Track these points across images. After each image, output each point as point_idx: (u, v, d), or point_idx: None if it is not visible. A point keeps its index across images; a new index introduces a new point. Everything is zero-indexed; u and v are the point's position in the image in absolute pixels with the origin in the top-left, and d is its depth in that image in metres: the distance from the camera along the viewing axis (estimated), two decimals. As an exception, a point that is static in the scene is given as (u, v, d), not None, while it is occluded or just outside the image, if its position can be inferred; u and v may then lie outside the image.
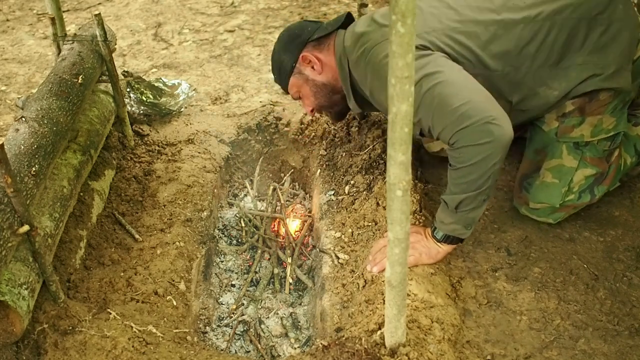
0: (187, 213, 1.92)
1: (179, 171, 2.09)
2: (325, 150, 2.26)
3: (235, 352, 1.75)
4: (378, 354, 1.28)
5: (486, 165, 1.42)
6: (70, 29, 3.29)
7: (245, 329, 1.82)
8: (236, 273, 2.03)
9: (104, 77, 2.03)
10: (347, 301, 1.61)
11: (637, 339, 1.47)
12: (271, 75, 2.82)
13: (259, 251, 2.08)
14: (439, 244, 1.60)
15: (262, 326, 1.83)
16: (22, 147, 1.43)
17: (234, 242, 2.16)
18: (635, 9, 1.68)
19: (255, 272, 2.03)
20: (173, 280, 1.68)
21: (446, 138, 1.46)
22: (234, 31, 3.32)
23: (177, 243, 1.80)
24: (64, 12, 2.08)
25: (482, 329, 1.52)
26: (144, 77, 2.40)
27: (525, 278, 1.65)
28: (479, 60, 1.56)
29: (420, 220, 1.73)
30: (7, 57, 3.14)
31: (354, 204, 1.93)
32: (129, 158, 2.11)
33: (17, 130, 1.50)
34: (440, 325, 1.41)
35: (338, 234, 1.85)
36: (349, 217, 1.89)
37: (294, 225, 2.15)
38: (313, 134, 2.34)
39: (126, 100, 2.25)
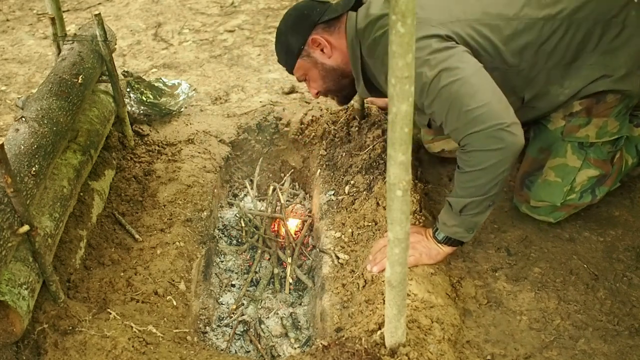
0: (187, 213, 1.92)
1: (179, 171, 2.09)
2: (325, 150, 2.25)
3: (235, 352, 1.75)
4: (378, 354, 1.28)
5: (495, 172, 1.43)
6: (70, 29, 3.29)
7: (245, 329, 1.82)
8: (236, 273, 2.04)
9: (104, 77, 2.03)
10: (347, 301, 1.61)
11: (637, 339, 1.47)
12: (272, 76, 2.85)
13: (259, 251, 2.08)
14: (439, 245, 1.60)
15: (262, 326, 1.83)
16: (22, 147, 1.43)
17: (234, 242, 2.16)
18: None
19: (255, 272, 2.03)
20: (173, 280, 1.68)
21: (457, 138, 1.46)
22: (234, 31, 3.32)
23: (177, 243, 1.80)
24: (64, 12, 2.08)
25: (482, 329, 1.52)
26: (144, 77, 2.40)
27: (525, 278, 1.65)
28: (499, 54, 1.56)
29: (420, 220, 1.73)
30: (7, 57, 3.14)
31: (354, 204, 1.93)
32: (129, 158, 2.11)
33: (17, 130, 1.50)
34: (440, 325, 1.41)
35: (338, 234, 1.85)
36: (349, 217, 1.89)
37: (293, 225, 2.15)
38: (313, 134, 2.34)
39: (126, 100, 2.25)
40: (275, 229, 2.16)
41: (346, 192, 2.00)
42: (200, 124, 2.39)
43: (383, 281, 1.49)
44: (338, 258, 1.77)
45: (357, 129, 2.20)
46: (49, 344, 1.35)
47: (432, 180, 2.04)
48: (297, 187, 2.40)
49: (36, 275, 1.36)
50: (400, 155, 0.97)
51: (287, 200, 2.27)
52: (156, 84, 2.39)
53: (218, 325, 1.83)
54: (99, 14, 1.86)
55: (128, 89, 2.31)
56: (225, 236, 2.16)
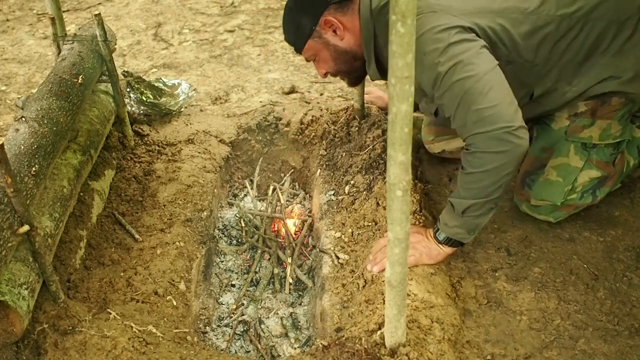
0: (187, 213, 1.92)
1: (179, 171, 2.09)
2: (325, 150, 2.25)
3: (235, 352, 1.75)
4: (378, 354, 1.28)
5: (499, 174, 1.43)
6: (70, 29, 3.29)
7: (245, 329, 1.82)
8: (236, 273, 2.04)
9: (104, 77, 2.03)
10: (347, 301, 1.61)
11: (637, 339, 1.47)
12: (272, 76, 2.85)
13: (259, 251, 2.08)
14: (440, 245, 1.60)
15: (262, 326, 1.83)
16: (22, 147, 1.43)
17: (234, 242, 2.16)
18: None
19: (255, 272, 2.03)
20: (173, 280, 1.68)
21: (463, 135, 1.46)
22: (234, 31, 3.32)
23: (177, 243, 1.80)
24: (64, 12, 2.08)
25: (482, 329, 1.52)
26: (144, 77, 2.40)
27: (525, 278, 1.65)
28: (516, 48, 1.56)
29: (420, 220, 1.73)
30: (7, 57, 3.14)
31: (354, 204, 1.93)
32: (129, 158, 2.11)
33: (17, 130, 1.50)
34: (440, 325, 1.41)
35: (338, 234, 1.85)
36: (349, 217, 1.89)
37: (293, 224, 2.15)
38: (313, 134, 2.34)
39: (126, 100, 2.25)
40: (275, 229, 2.16)
41: (346, 192, 2.00)
42: (200, 124, 2.39)
43: (383, 281, 1.49)
44: (338, 258, 1.77)
45: (357, 129, 2.20)
46: (49, 344, 1.35)
47: (432, 180, 2.04)
48: (297, 187, 2.40)
49: (36, 275, 1.36)
50: (400, 155, 0.97)
51: (287, 200, 2.27)
52: (156, 84, 2.39)
53: (218, 325, 1.83)
54: (99, 14, 1.86)
55: (128, 89, 2.31)
56: (225, 236, 2.16)
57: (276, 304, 1.91)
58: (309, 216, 2.18)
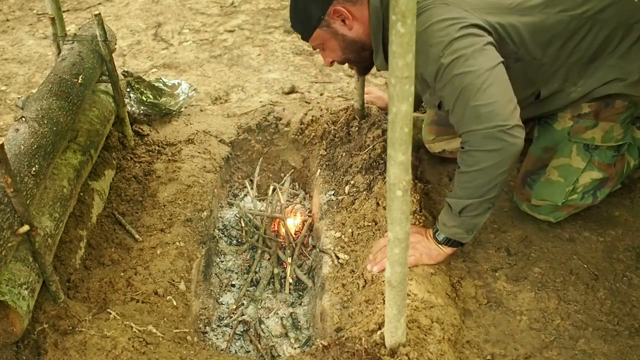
0: (187, 213, 1.92)
1: (179, 171, 2.09)
2: (325, 150, 2.25)
3: (235, 352, 1.75)
4: (378, 354, 1.28)
5: (493, 173, 1.43)
6: (70, 29, 3.29)
7: (245, 329, 1.82)
8: (236, 273, 2.03)
9: (104, 77, 2.03)
10: (347, 301, 1.61)
11: (637, 339, 1.47)
12: (272, 76, 2.85)
13: (259, 251, 2.08)
14: (439, 245, 1.60)
15: (262, 326, 1.83)
16: (22, 147, 1.43)
17: (234, 242, 2.16)
18: None
19: (255, 272, 2.03)
20: (173, 280, 1.68)
21: (459, 130, 1.46)
22: (234, 31, 3.32)
23: (177, 243, 1.80)
24: (64, 12, 2.08)
25: (482, 329, 1.52)
26: (144, 77, 2.40)
27: (525, 278, 1.65)
28: (525, 45, 1.57)
29: (420, 220, 1.73)
30: (7, 57, 3.14)
31: (354, 204, 1.93)
32: (129, 158, 2.11)
33: (17, 130, 1.50)
34: (440, 325, 1.41)
35: (338, 234, 1.85)
36: (349, 217, 1.89)
37: (293, 224, 2.15)
38: (313, 134, 2.34)
39: (126, 100, 2.24)
40: (275, 229, 2.16)
41: (346, 192, 2.00)
42: (200, 124, 2.39)
43: (383, 281, 1.49)
44: (338, 258, 1.77)
45: (357, 129, 2.20)
46: (49, 344, 1.35)
47: (432, 180, 2.04)
48: (297, 187, 2.40)
49: (36, 275, 1.36)
50: (400, 155, 0.97)
51: (287, 200, 2.27)
52: (156, 84, 2.39)
53: (218, 325, 1.83)
54: (99, 14, 1.86)
55: (128, 89, 2.31)
56: (225, 236, 2.16)
57: (276, 304, 1.91)
58: (309, 216, 2.18)
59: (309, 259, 2.05)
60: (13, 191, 1.20)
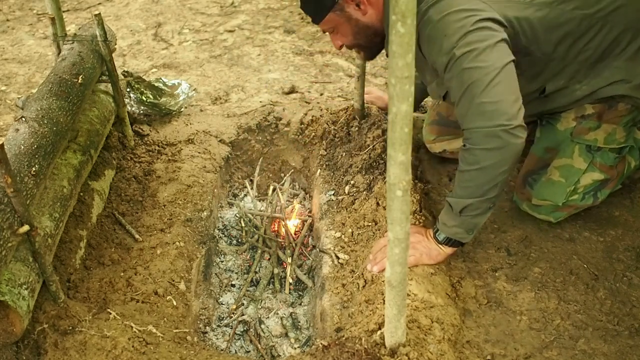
0: (187, 213, 1.92)
1: (179, 171, 2.09)
2: (325, 150, 2.25)
3: (235, 352, 1.75)
4: (378, 354, 1.28)
5: (494, 172, 1.43)
6: (70, 29, 3.29)
7: (245, 329, 1.82)
8: (236, 273, 2.03)
9: (104, 77, 2.03)
10: (347, 301, 1.61)
11: (637, 339, 1.47)
12: (272, 76, 2.85)
13: (259, 251, 2.08)
14: (440, 245, 1.60)
15: (262, 326, 1.83)
16: (22, 147, 1.43)
17: (234, 242, 2.16)
18: None
19: (255, 272, 2.03)
20: (173, 280, 1.68)
21: (463, 125, 1.47)
22: (234, 31, 3.32)
23: (177, 243, 1.80)
24: (64, 12, 2.08)
25: (482, 329, 1.52)
26: (144, 77, 2.40)
27: (525, 278, 1.65)
28: (537, 40, 1.57)
29: (420, 220, 1.73)
30: (7, 57, 3.14)
31: (354, 204, 1.93)
32: (129, 158, 2.11)
33: (17, 130, 1.50)
34: (440, 325, 1.41)
35: (338, 234, 1.85)
36: (349, 217, 1.89)
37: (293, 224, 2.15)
38: (313, 134, 2.34)
39: (126, 100, 2.25)
40: (275, 229, 2.16)
41: (346, 192, 2.00)
42: (200, 124, 2.39)
43: (383, 281, 1.49)
44: (338, 258, 1.77)
45: (357, 129, 2.20)
46: (49, 344, 1.35)
47: (432, 180, 2.04)
48: (297, 187, 2.40)
49: (36, 275, 1.36)
50: (400, 155, 0.97)
51: (287, 200, 2.27)
52: (156, 84, 2.39)
53: (218, 325, 1.83)
54: (99, 14, 1.86)
55: (128, 89, 2.31)
56: (225, 236, 2.16)
57: (276, 304, 1.91)
58: (309, 216, 2.18)
59: (309, 259, 2.05)
60: (13, 191, 1.20)
